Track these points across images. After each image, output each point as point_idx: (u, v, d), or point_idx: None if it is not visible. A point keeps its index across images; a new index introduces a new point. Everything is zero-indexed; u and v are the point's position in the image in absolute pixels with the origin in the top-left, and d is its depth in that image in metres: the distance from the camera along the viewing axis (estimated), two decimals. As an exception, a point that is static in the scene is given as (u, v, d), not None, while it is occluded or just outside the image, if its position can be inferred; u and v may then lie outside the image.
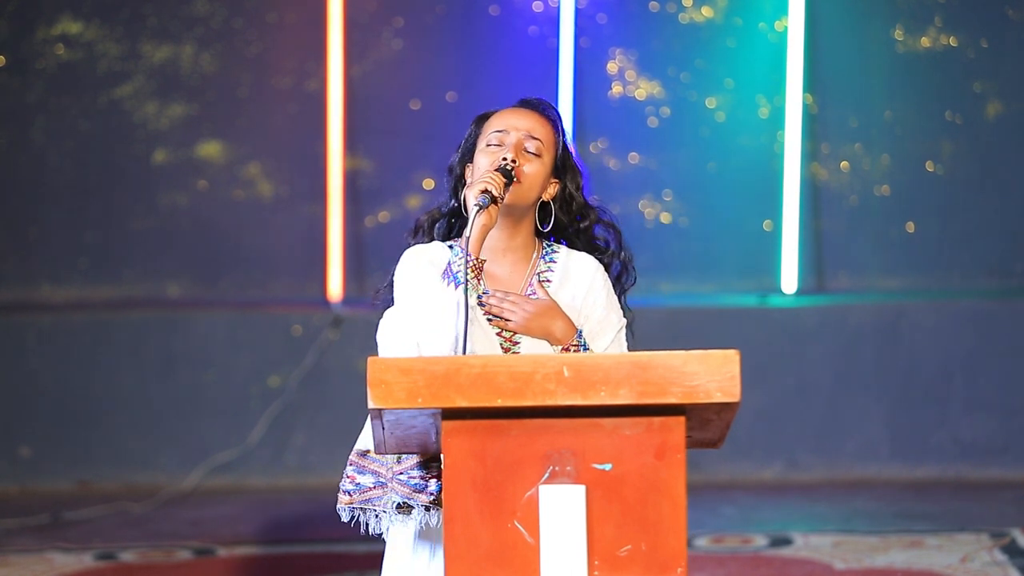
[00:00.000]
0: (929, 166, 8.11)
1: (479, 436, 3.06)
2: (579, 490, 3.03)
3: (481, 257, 3.55)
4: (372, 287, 8.11)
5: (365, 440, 3.62)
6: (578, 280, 3.74)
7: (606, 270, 3.80)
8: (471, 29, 8.13)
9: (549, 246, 3.79)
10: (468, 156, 3.77)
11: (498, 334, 3.64)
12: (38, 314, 7.91)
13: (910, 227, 8.11)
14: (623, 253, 3.85)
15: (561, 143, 3.77)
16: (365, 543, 6.67)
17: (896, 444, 7.67)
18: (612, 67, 8.12)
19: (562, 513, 3.02)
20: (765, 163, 8.05)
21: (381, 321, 3.65)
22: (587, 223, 3.83)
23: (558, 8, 8.01)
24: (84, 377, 7.76)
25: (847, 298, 7.96)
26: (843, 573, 6.00)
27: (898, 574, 5.95)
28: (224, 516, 7.17)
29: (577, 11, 8.04)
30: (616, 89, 8.09)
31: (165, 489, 7.54)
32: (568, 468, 3.05)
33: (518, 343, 3.64)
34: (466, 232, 3.51)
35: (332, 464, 7.73)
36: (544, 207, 3.77)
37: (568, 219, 3.81)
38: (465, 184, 3.74)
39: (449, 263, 3.56)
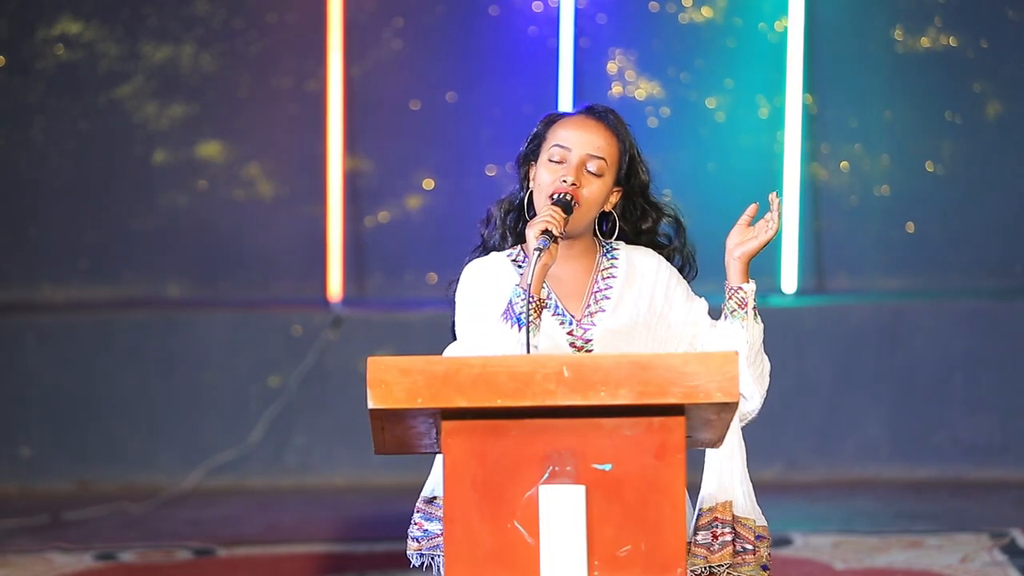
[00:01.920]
0: (929, 166, 8.11)
1: (479, 436, 3.06)
2: (579, 490, 3.03)
3: (543, 296, 3.54)
4: (372, 287, 8.16)
5: (432, 487, 3.62)
6: (644, 276, 3.72)
7: (668, 262, 3.80)
8: (471, 29, 8.13)
9: (608, 243, 3.77)
10: (533, 155, 3.75)
11: (568, 333, 3.63)
12: (38, 314, 7.91)
13: (910, 227, 8.11)
14: (685, 247, 3.84)
15: (626, 154, 3.75)
16: (365, 543, 6.67)
17: (896, 444, 7.67)
18: (612, 67, 8.12)
19: (562, 513, 3.02)
20: (765, 163, 8.05)
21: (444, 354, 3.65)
22: (649, 224, 3.82)
23: (558, 8, 8.01)
24: (84, 377, 7.76)
25: (847, 298, 7.95)
26: (843, 573, 6.00)
27: (898, 574, 5.95)
28: (224, 516, 7.17)
29: (577, 11, 8.03)
30: (616, 89, 8.09)
31: (165, 489, 7.54)
32: (568, 468, 3.05)
33: (590, 340, 3.63)
34: (526, 275, 3.51)
35: (332, 464, 7.74)
36: (605, 213, 3.75)
37: (629, 224, 3.80)
38: (530, 180, 3.74)
39: (511, 303, 3.54)
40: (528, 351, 3.43)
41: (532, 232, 3.53)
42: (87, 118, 8.13)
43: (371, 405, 3.02)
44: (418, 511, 3.64)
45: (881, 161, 8.12)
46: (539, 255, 3.49)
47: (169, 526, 6.99)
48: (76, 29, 8.12)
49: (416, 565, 3.64)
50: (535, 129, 3.78)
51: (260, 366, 7.77)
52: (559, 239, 3.55)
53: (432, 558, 3.61)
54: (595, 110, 3.76)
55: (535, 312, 3.50)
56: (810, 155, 8.08)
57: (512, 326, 3.49)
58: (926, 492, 7.39)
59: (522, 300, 3.49)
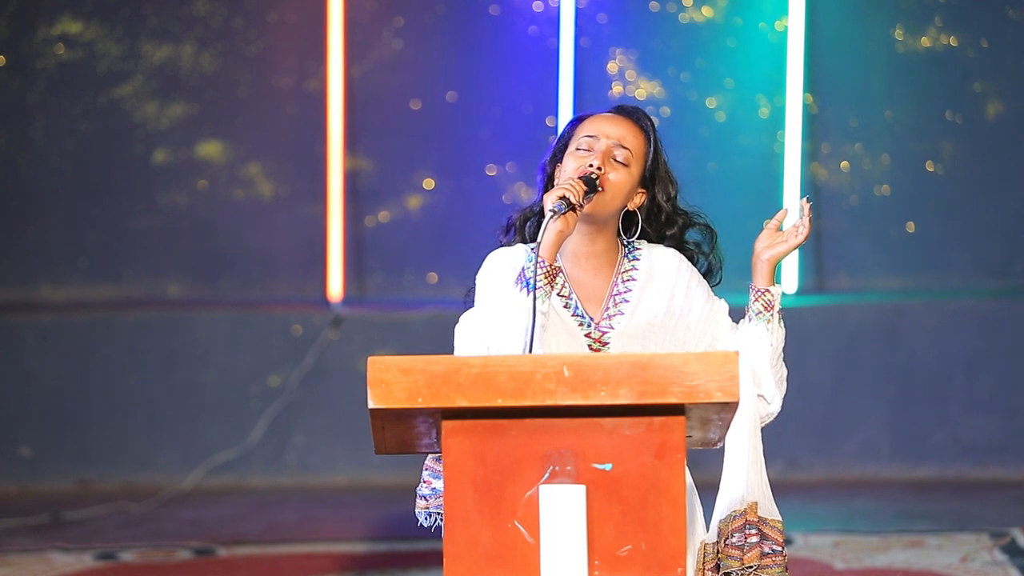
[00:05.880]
0: (929, 166, 8.11)
1: (479, 436, 3.05)
2: (579, 490, 3.03)
3: (556, 264, 3.53)
4: (372, 287, 8.17)
5: None
6: (664, 276, 3.73)
7: (692, 264, 3.79)
8: (471, 29, 8.13)
9: (631, 243, 3.77)
10: (559, 156, 3.75)
11: (586, 335, 3.64)
12: (38, 314, 7.91)
13: (910, 227, 8.11)
14: (712, 255, 3.84)
15: (652, 154, 3.75)
16: (365, 543, 6.67)
17: (896, 444, 7.67)
18: (612, 67, 8.12)
19: (562, 513, 3.02)
20: (765, 163, 8.05)
21: (459, 322, 3.67)
22: (674, 231, 3.82)
23: (558, 8, 8.01)
24: (84, 377, 7.76)
25: (847, 298, 7.96)
26: (843, 573, 6.00)
27: (898, 574, 5.95)
28: (224, 516, 7.17)
29: (577, 11, 8.04)
30: (616, 89, 8.09)
31: (165, 489, 7.54)
32: (568, 468, 3.05)
33: (607, 343, 3.63)
34: (538, 238, 3.51)
35: (332, 464, 7.74)
36: (629, 216, 3.75)
37: (654, 230, 3.80)
38: (553, 183, 3.74)
39: (523, 268, 3.55)
40: (535, 316, 3.44)
41: (549, 198, 3.53)
42: (87, 118, 8.13)
43: (371, 405, 3.02)
44: (427, 469, 3.64)
45: (881, 161, 8.12)
46: (553, 217, 3.49)
47: (169, 526, 6.99)
48: (76, 29, 8.12)
49: (423, 524, 3.65)
50: (562, 132, 3.79)
51: (260, 366, 7.77)
52: (576, 209, 3.54)
53: (439, 516, 3.62)
54: (624, 108, 3.78)
55: (546, 278, 3.50)
56: (810, 155, 8.08)
57: (522, 290, 3.50)
58: (926, 492, 7.39)
59: (533, 265, 3.49)
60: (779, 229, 3.73)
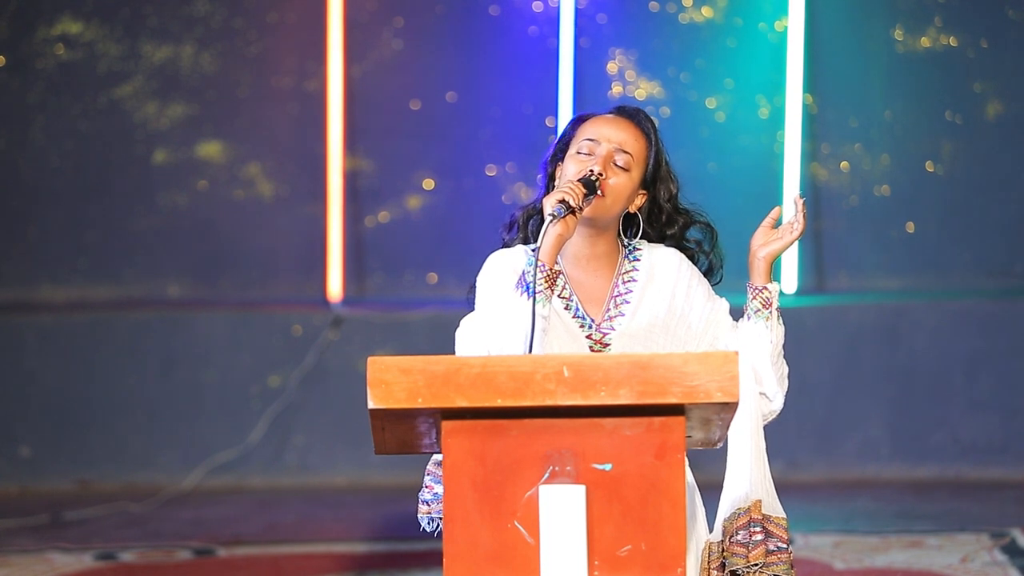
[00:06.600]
0: (929, 166, 8.11)
1: (479, 436, 3.05)
2: (579, 490, 3.03)
3: (556, 267, 3.53)
4: (372, 287, 8.17)
5: None
6: (664, 276, 3.72)
7: (693, 263, 3.79)
8: (471, 29, 8.13)
9: (631, 243, 3.77)
10: (560, 156, 3.75)
11: (587, 336, 3.64)
12: (38, 314, 7.91)
13: (910, 227, 8.11)
14: (713, 253, 3.84)
15: (653, 155, 3.75)
16: (365, 543, 6.67)
17: (896, 444, 7.67)
18: (612, 67, 8.12)
19: (562, 513, 3.02)
20: (765, 163, 8.05)
21: (459, 326, 3.66)
22: (675, 230, 3.82)
23: (558, 8, 8.01)
24: (84, 377, 7.76)
25: (847, 298, 7.95)
26: (843, 573, 6.00)
27: (898, 574, 5.95)
28: (224, 516, 7.17)
29: (577, 11, 8.04)
30: (616, 89, 8.09)
31: (165, 489, 7.54)
32: (568, 468, 3.05)
33: (608, 345, 3.63)
34: (539, 241, 3.51)
35: (332, 464, 7.74)
36: (630, 217, 3.75)
37: (655, 229, 3.79)
38: (555, 182, 3.73)
39: (524, 272, 3.54)
40: (534, 320, 3.43)
41: (549, 201, 3.53)
42: (87, 118, 8.13)
43: (371, 405, 3.02)
44: (428, 474, 3.64)
45: (881, 161, 8.12)
46: (553, 221, 3.49)
47: (169, 526, 6.99)
48: (76, 29, 8.12)
49: (425, 528, 3.64)
50: (563, 131, 3.79)
51: (260, 366, 7.77)
52: (576, 212, 3.54)
53: (442, 520, 3.62)
54: (625, 109, 3.77)
55: (547, 282, 3.50)
56: (810, 155, 8.08)
57: (522, 294, 3.50)
58: (926, 492, 7.39)
59: (533, 268, 3.49)
60: (775, 226, 3.73)
